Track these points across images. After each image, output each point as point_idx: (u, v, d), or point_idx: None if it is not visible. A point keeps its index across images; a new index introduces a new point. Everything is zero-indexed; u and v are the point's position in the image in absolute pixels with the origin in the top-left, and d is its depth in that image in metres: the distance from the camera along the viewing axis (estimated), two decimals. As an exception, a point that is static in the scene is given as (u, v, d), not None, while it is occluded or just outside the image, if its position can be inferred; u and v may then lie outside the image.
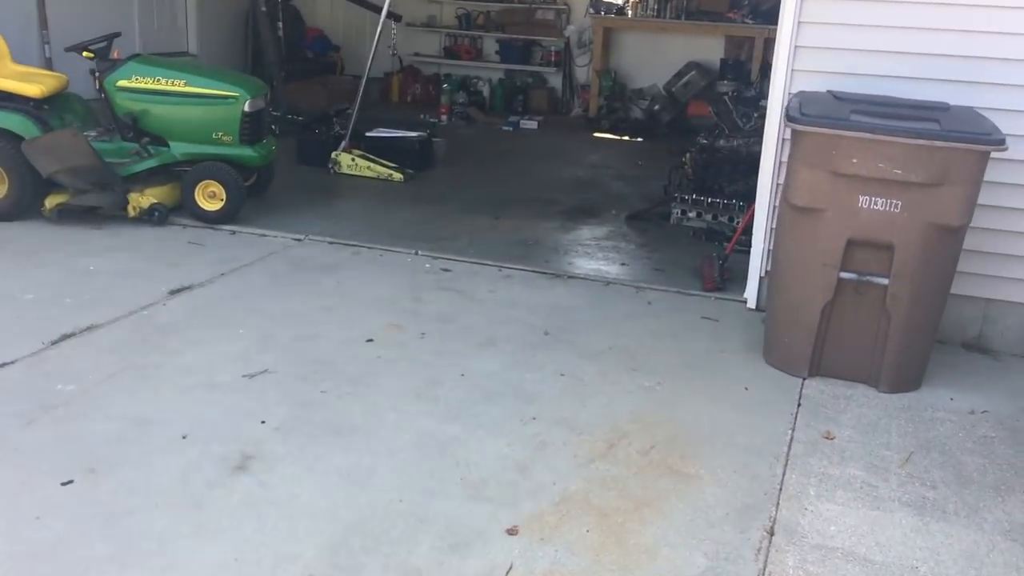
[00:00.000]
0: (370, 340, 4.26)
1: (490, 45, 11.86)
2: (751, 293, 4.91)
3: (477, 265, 5.38)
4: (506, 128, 10.26)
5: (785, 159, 4.60)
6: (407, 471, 3.19)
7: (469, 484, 3.12)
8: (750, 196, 6.53)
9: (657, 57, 11.06)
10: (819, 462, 3.38)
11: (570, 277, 5.26)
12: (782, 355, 4.16)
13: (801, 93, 4.27)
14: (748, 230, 5.17)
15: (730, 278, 5.22)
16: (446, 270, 5.28)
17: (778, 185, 4.70)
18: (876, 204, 3.78)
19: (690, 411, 3.72)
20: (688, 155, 6.83)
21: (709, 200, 6.39)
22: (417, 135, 7.88)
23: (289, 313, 4.53)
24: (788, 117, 3.86)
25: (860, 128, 3.69)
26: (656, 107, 10.80)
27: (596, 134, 10.23)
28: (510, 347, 4.26)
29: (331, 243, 5.65)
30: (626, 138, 10.15)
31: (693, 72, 10.80)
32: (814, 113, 3.81)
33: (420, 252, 5.54)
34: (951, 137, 3.61)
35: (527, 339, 4.36)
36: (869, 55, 4.40)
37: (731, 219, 6.26)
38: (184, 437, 3.33)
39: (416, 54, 11.85)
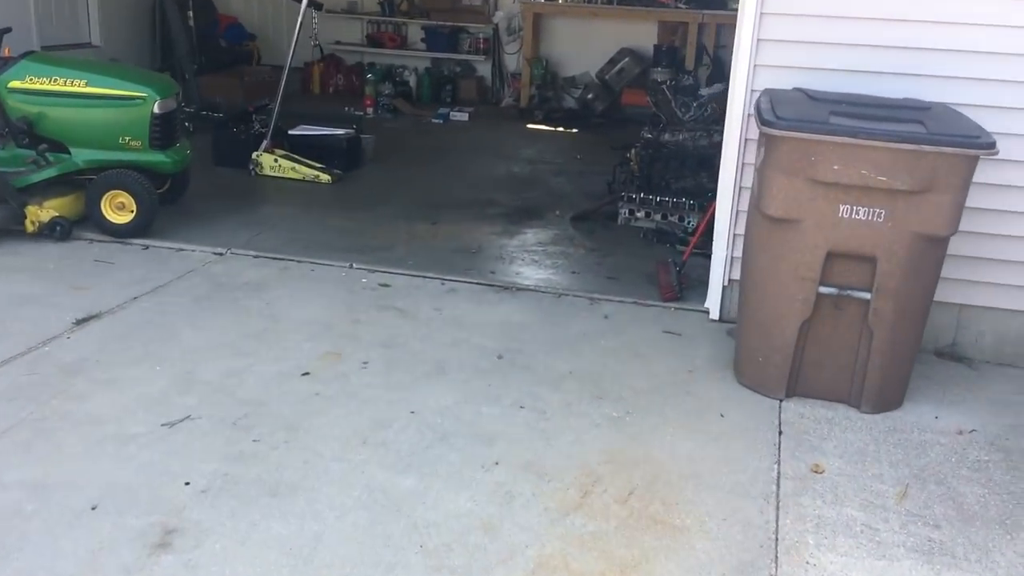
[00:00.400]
0: (306, 373, 3.82)
1: (415, 32, 11.37)
2: (713, 303, 4.61)
3: (418, 278, 4.96)
4: (436, 120, 9.81)
5: (749, 161, 4.31)
6: (358, 538, 2.78)
7: (430, 552, 2.73)
8: (700, 194, 6.28)
9: (589, 44, 10.74)
10: (812, 502, 3.08)
11: (519, 289, 4.89)
12: (756, 375, 3.86)
13: (770, 91, 3.97)
14: (707, 233, 4.87)
15: (688, 285, 4.91)
16: (385, 285, 4.86)
17: (742, 188, 4.40)
18: (858, 213, 3.49)
19: (666, 446, 3.39)
20: (633, 150, 6.51)
21: (658, 199, 6.08)
22: (345, 132, 7.39)
23: (213, 344, 4.06)
24: (762, 120, 3.54)
25: (842, 132, 3.39)
26: (589, 96, 10.47)
27: (529, 125, 9.86)
28: (462, 375, 3.87)
29: (256, 257, 5.16)
30: (560, 129, 9.80)
31: (627, 59, 10.50)
32: (790, 116, 3.50)
33: (355, 265, 5.10)
34: (940, 141, 3.34)
35: (480, 365, 3.98)
36: (838, 49, 4.11)
37: (682, 219, 5.97)
38: (94, 508, 2.86)
39: (338, 42, 11.29)
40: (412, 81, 10.97)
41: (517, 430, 3.45)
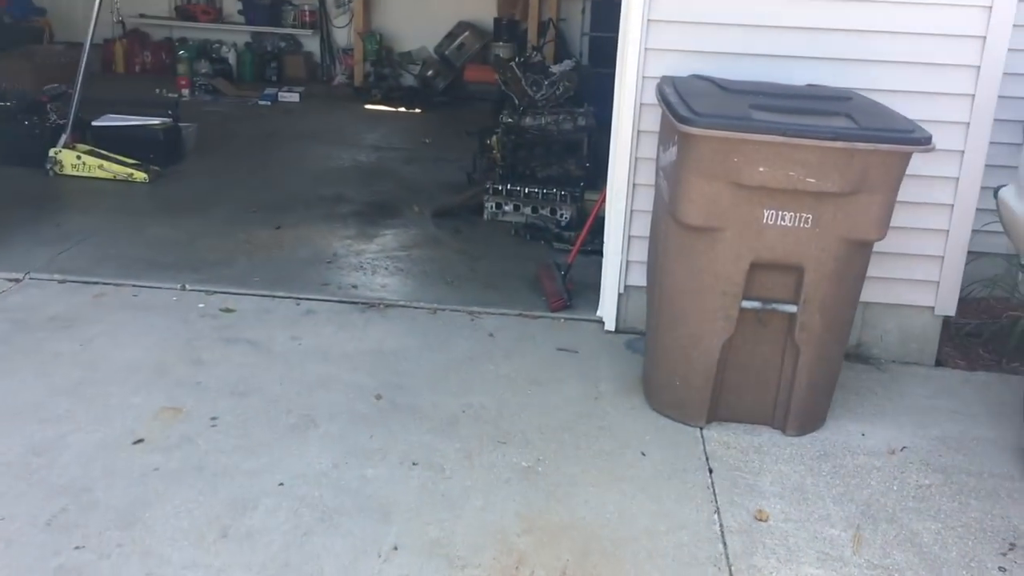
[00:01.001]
0: (139, 440, 3.08)
1: (231, 4, 10.32)
2: (607, 312, 4.16)
3: (268, 299, 4.25)
4: (263, 102, 8.90)
5: (643, 155, 3.86)
6: None
7: None
8: (569, 182, 5.83)
9: (425, 17, 10.08)
10: (766, 562, 2.68)
11: (388, 306, 4.27)
12: (673, 401, 3.43)
13: (672, 80, 3.51)
14: (594, 230, 4.43)
15: (575, 289, 4.45)
16: (228, 310, 4.12)
17: (635, 186, 3.95)
18: (784, 219, 3.10)
19: (591, 502, 2.90)
20: (494, 136, 5.96)
21: (526, 191, 5.57)
22: (161, 121, 6.44)
23: (13, 407, 3.23)
24: (678, 116, 3.07)
25: (770, 130, 2.97)
26: (429, 73, 9.82)
27: (368, 106, 9.12)
28: (336, 426, 3.24)
29: (63, 282, 4.28)
30: (402, 109, 9.12)
31: (466, 33, 9.91)
32: (709, 112, 3.05)
33: (189, 286, 4.32)
34: (873, 137, 2.98)
35: (356, 409, 3.35)
36: (738, 30, 3.71)
37: (554, 211, 5.48)
38: None
39: (142, 15, 10.10)
40: (231, 58, 9.96)
41: (413, 496, 2.87)
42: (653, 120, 3.78)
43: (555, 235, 5.21)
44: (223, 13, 10.33)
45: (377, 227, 5.40)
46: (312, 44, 10.34)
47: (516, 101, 8.05)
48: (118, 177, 5.94)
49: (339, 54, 10.35)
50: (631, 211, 3.96)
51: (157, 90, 8.66)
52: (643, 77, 3.80)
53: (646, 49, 3.77)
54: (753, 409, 3.42)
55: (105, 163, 5.95)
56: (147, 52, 9.95)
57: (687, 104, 3.13)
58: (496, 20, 10.06)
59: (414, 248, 5.09)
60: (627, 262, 4.03)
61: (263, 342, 3.83)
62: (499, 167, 5.89)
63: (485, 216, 5.58)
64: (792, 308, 3.22)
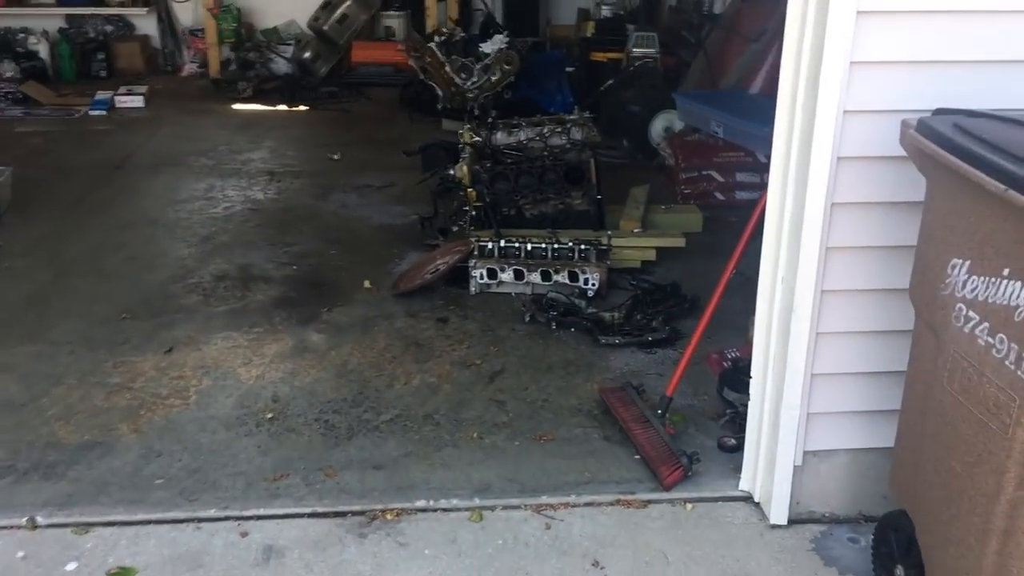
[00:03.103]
0: None
1: (35, -21, 7.95)
2: (762, 489, 2.58)
3: (188, 529, 2.44)
4: (96, 112, 6.71)
5: (839, 243, 2.27)
6: None
7: None
8: (575, 221, 4.18)
9: (291, -17, 8.09)
10: None
11: (400, 513, 2.53)
12: None
13: (949, 120, 1.90)
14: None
15: (677, 432, 2.84)
16: (123, 572, 2.28)
17: (824, 293, 2.34)
18: None
19: None
20: (463, 166, 4.19)
21: (528, 247, 3.86)
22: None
23: None
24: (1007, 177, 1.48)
25: None
26: (307, 55, 7.81)
27: (236, 106, 7.09)
28: None
29: None
30: (282, 108, 7.12)
31: (348, 2, 7.95)
32: None
33: (41, 519, 2.45)
34: None
35: None
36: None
37: (575, 276, 3.79)
38: None
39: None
40: (43, 52, 7.64)
41: None
42: (866, 183, 2.20)
43: (594, 320, 3.54)
44: (24, -8, 7.96)
45: (320, 328, 3.58)
46: (148, 25, 8.13)
47: (439, 92, 6.33)
48: None
49: (186, 37, 8.18)
50: (816, 334, 2.36)
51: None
52: (843, 111, 2.17)
53: (851, 63, 2.13)
54: None
55: None
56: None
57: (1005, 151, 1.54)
58: (385, -17, 8.15)
59: (394, 366, 3.31)
60: (808, 415, 2.44)
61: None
62: (472, 209, 4.14)
63: (472, 288, 3.85)
64: None
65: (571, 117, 4.41)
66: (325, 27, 7.89)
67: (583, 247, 3.80)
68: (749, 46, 5.29)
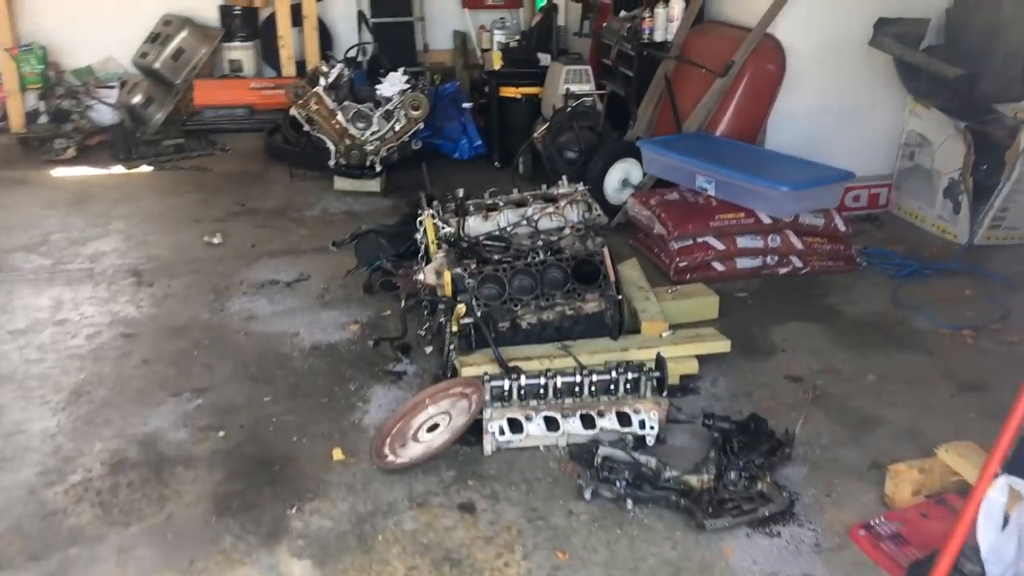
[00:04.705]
0: None
1: None
2: None
3: None
4: None
5: None
6: None
7: None
8: (585, 327, 3.25)
9: (104, 14, 6.68)
10: None
11: None
12: None
13: None
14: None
15: None
16: None
17: None
18: None
19: None
20: (439, 267, 3.15)
21: (558, 381, 2.86)
22: None
23: None
24: None
25: None
26: (137, 99, 6.45)
27: (57, 171, 5.67)
28: None
29: None
30: (118, 170, 5.75)
31: (184, 33, 6.70)
32: None
33: None
34: None
35: None
36: None
37: (625, 418, 2.83)
38: None
39: None
40: None
41: None
42: None
43: (682, 491, 2.59)
44: None
45: (297, 548, 2.43)
46: (-79, 71, 6.45)
47: (329, 145, 5.21)
48: None
49: (-24, 84, 6.56)
50: None
51: None
52: None
53: None
54: None
55: None
56: None
57: None
58: (224, 9, 6.88)
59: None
60: None
61: None
62: (455, 328, 3.11)
63: (488, 447, 2.82)
64: None
65: (562, 191, 3.46)
66: (156, 64, 6.56)
67: (627, 377, 2.86)
68: (714, 82, 4.53)
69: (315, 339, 3.54)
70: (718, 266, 4.03)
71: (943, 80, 4.19)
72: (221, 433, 2.93)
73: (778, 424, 2.84)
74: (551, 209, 3.35)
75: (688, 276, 3.96)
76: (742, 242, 4.02)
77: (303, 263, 4.26)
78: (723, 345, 3.26)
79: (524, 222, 3.34)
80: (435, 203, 3.40)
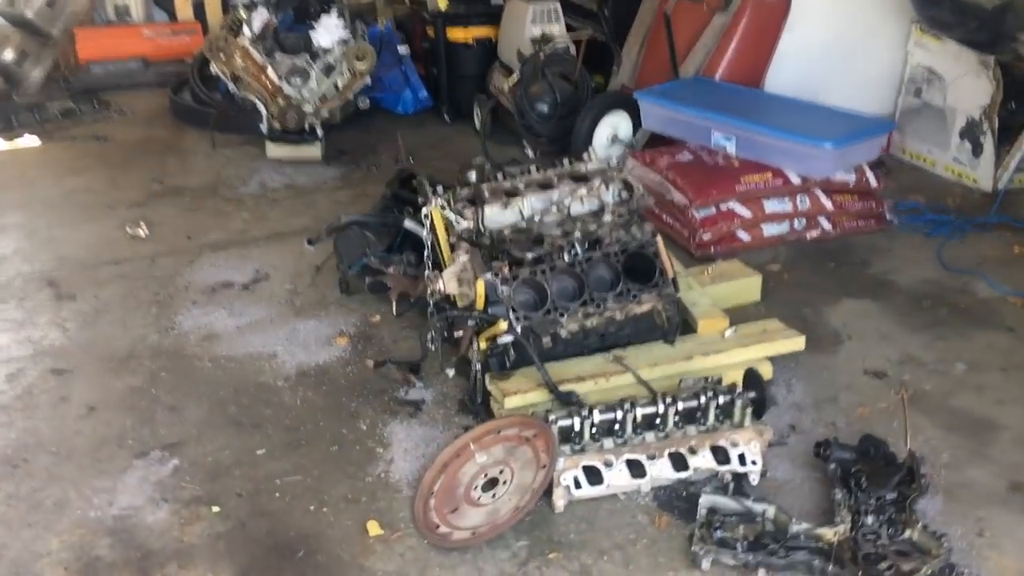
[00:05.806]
0: None
1: None
2: None
3: None
4: None
5: None
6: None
7: None
8: (634, 331, 2.74)
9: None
10: None
11: None
12: None
13: None
14: None
15: None
16: None
17: None
18: None
19: None
20: (465, 273, 2.55)
21: (638, 412, 2.33)
22: None
23: None
24: None
25: None
26: (9, 56, 5.50)
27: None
28: None
29: None
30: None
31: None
32: None
33: None
34: None
35: None
36: None
37: (722, 454, 2.34)
38: None
39: None
40: None
41: None
42: None
43: (818, 549, 2.12)
44: None
45: None
46: None
47: (260, 107, 4.47)
48: None
49: None
50: None
51: None
52: None
53: None
54: None
55: None
56: None
57: None
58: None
59: None
60: None
61: None
62: (485, 352, 2.53)
63: (558, 503, 2.28)
64: None
65: (591, 167, 2.89)
66: (29, 14, 5.53)
67: (720, 399, 2.36)
68: (713, 17, 3.99)
69: (299, 361, 2.91)
70: (743, 236, 3.55)
71: (972, 9, 3.77)
72: (215, 508, 2.31)
73: (893, 441, 2.41)
74: (583, 191, 2.77)
75: (712, 249, 3.47)
76: (769, 206, 3.55)
77: (256, 257, 3.58)
78: (797, 342, 2.79)
79: (553, 208, 2.75)
80: (439, 187, 2.77)
